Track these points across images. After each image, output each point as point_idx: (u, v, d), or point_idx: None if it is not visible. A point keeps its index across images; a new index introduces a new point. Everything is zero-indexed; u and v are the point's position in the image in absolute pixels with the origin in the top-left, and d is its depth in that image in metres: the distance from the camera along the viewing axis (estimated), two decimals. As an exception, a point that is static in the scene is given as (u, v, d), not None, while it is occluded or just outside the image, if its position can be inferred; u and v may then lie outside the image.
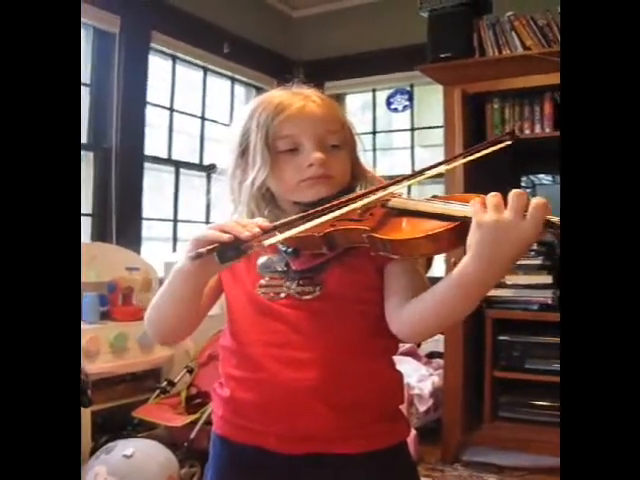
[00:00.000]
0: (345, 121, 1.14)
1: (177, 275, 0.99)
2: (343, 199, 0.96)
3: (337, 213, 0.93)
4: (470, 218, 0.85)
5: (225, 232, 0.87)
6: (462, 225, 0.86)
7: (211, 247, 0.85)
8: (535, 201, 0.81)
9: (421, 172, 1.04)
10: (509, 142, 1.10)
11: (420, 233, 0.88)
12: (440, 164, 1.08)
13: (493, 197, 0.84)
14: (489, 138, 3.04)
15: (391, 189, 1.01)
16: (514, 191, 0.82)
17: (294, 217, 0.91)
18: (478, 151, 1.08)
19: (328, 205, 0.94)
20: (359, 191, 1.03)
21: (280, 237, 0.89)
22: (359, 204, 0.96)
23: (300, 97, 1.10)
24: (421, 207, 0.95)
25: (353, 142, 1.15)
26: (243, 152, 1.11)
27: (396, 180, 1.02)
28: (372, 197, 0.98)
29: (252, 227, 0.87)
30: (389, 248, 0.92)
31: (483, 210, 0.83)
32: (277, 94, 1.12)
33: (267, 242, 0.87)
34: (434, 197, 0.99)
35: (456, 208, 0.89)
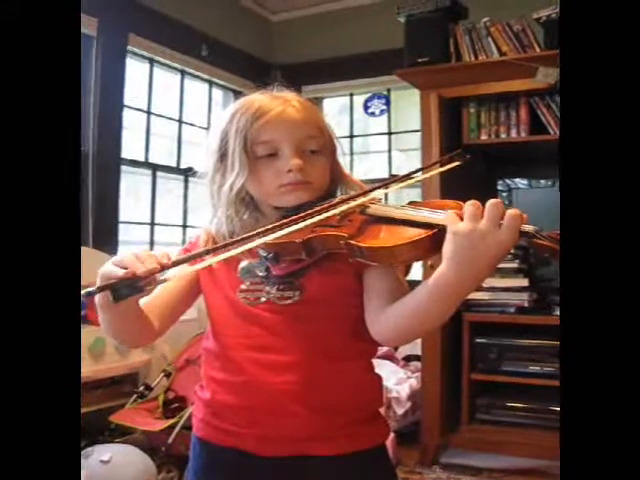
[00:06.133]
0: (325, 126, 1.13)
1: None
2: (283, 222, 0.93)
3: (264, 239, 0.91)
4: (447, 226, 0.85)
5: (123, 267, 0.85)
6: (439, 233, 0.86)
7: (102, 285, 0.83)
8: (510, 211, 0.82)
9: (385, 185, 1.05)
10: (458, 163, 1.13)
11: (397, 241, 0.88)
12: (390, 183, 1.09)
13: (471, 205, 0.84)
14: (465, 142, 3.07)
15: (361, 200, 1.00)
16: (491, 201, 0.83)
17: (203, 249, 0.90)
18: (430, 169, 1.13)
19: (243, 236, 0.91)
20: (322, 205, 1.00)
21: (175, 272, 0.87)
22: (298, 226, 0.93)
23: (280, 101, 1.09)
24: (399, 214, 0.95)
25: (333, 147, 1.14)
26: (222, 156, 1.10)
27: (351, 196, 1.02)
28: (340, 208, 0.98)
29: (150, 262, 0.84)
30: (366, 255, 0.92)
31: (459, 219, 0.84)
32: (257, 98, 1.11)
33: (163, 276, 0.85)
34: (411, 203, 0.99)
35: (433, 216, 0.89)
